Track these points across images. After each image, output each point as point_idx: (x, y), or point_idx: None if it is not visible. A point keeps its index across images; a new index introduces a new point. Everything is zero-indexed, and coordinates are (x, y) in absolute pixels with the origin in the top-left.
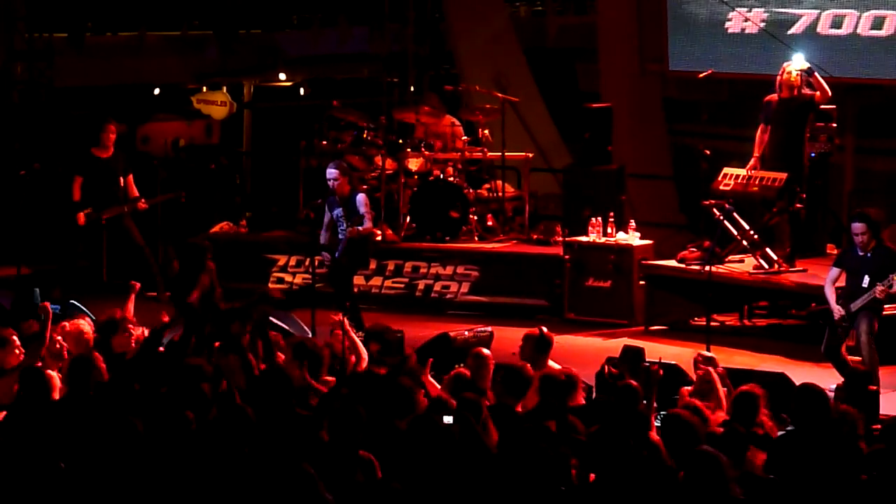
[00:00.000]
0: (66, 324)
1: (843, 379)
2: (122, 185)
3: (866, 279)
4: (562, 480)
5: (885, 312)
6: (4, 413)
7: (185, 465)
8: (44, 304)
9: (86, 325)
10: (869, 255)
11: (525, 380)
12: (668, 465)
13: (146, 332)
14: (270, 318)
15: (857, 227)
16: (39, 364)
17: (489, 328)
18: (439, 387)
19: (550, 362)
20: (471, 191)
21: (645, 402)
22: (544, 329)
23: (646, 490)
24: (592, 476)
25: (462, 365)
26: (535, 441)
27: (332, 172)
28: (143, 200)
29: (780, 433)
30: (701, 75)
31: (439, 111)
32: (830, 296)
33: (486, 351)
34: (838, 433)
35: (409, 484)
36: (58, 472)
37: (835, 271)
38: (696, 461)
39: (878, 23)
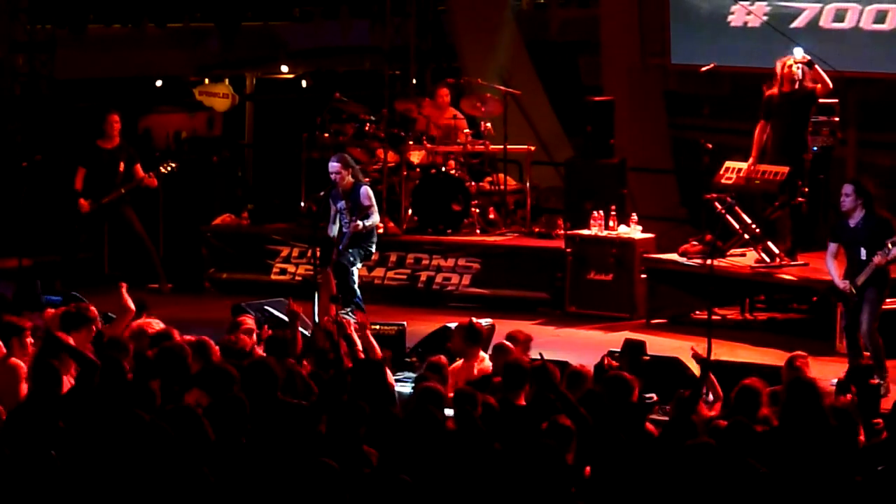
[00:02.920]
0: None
1: (843, 372)
2: (121, 173)
3: (863, 251)
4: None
5: (884, 307)
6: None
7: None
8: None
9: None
10: (860, 225)
11: (524, 372)
12: (664, 457)
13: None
14: (265, 307)
15: (847, 187)
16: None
17: (491, 321)
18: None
19: (481, 353)
20: (472, 184)
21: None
22: (474, 320)
23: (638, 481)
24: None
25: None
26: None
27: (334, 166)
28: (151, 175)
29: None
30: (703, 69)
31: (452, 100)
32: (832, 268)
33: (508, 343)
34: (829, 427)
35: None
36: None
37: (832, 246)
38: (694, 453)
39: (880, 17)
